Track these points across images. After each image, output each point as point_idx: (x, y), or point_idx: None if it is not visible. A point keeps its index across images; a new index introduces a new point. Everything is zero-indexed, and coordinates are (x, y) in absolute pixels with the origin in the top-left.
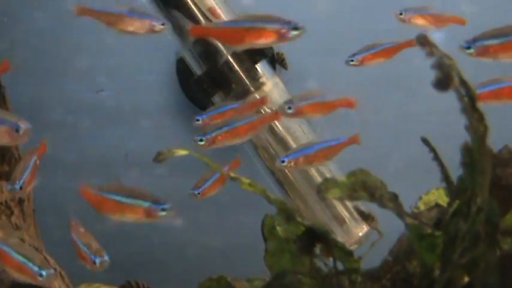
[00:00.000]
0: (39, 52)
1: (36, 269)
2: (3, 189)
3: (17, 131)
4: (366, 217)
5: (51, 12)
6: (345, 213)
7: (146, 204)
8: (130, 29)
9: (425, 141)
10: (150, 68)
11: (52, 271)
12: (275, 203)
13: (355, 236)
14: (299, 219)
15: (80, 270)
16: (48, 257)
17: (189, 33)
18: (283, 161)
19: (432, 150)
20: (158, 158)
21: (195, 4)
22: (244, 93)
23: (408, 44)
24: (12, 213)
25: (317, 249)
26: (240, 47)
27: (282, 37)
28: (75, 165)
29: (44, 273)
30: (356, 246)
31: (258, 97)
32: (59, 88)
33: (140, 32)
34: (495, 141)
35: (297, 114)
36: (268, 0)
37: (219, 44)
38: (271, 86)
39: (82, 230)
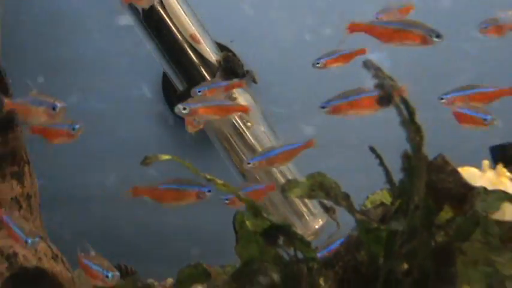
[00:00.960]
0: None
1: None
2: (14, 187)
3: (54, 109)
4: (328, 210)
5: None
6: (303, 209)
7: (196, 188)
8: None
9: (372, 149)
10: (140, 84)
11: (37, 239)
12: (245, 201)
13: (312, 229)
14: (265, 215)
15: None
16: (51, 244)
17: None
18: (249, 163)
19: (378, 157)
20: (145, 162)
21: (178, 31)
22: None
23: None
24: (21, 207)
25: (280, 241)
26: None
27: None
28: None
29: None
30: (313, 237)
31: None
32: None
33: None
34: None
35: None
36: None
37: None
38: (243, 100)
39: (92, 253)
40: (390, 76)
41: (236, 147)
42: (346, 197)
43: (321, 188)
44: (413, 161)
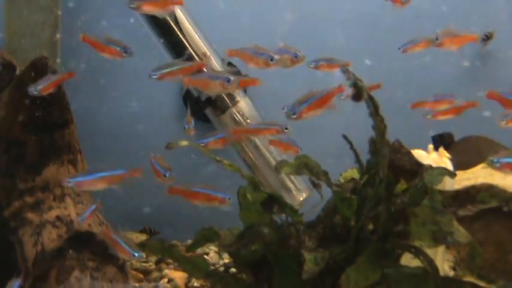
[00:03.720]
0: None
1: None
2: (70, 170)
3: (228, 81)
4: (316, 185)
5: None
6: (291, 185)
7: (220, 195)
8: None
9: (344, 136)
10: (165, 91)
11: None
12: (246, 177)
13: (298, 200)
14: (262, 189)
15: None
16: (98, 214)
17: None
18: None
19: (349, 143)
20: (168, 147)
21: (193, 49)
22: (225, 107)
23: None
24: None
25: (275, 209)
26: None
27: None
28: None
29: None
30: (299, 207)
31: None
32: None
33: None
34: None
35: None
36: None
37: None
38: (243, 103)
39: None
40: (360, 79)
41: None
42: (325, 173)
43: (306, 167)
44: (378, 144)
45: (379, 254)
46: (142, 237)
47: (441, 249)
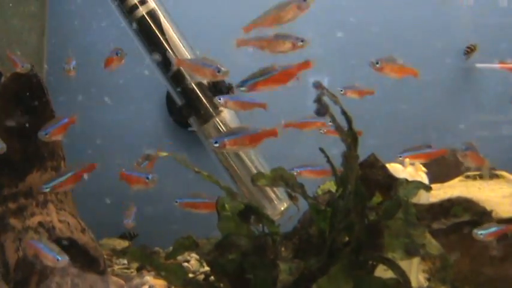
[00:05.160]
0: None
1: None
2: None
3: (219, 71)
4: (292, 198)
5: None
6: (272, 195)
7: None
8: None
9: (321, 150)
10: (147, 99)
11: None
12: (224, 188)
13: (279, 210)
14: (239, 199)
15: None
16: (80, 220)
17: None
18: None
19: (326, 156)
20: (148, 158)
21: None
22: (209, 116)
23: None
24: (58, 192)
25: (252, 219)
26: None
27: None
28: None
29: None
30: (279, 216)
31: None
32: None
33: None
34: None
35: None
36: None
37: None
38: (226, 112)
39: None
40: (333, 94)
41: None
42: (301, 186)
43: (282, 179)
44: (348, 158)
45: (352, 265)
46: (125, 243)
47: (416, 260)
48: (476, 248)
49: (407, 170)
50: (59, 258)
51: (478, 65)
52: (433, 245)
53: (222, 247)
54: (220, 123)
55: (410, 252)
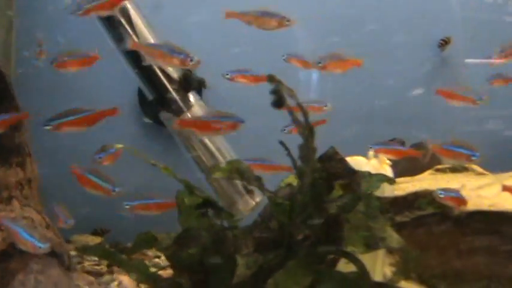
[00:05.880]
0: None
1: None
2: (18, 173)
3: (191, 60)
4: (248, 191)
5: None
6: (243, 190)
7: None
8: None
9: (281, 143)
10: (121, 93)
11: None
12: (181, 182)
13: (250, 205)
14: (197, 193)
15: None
16: (45, 216)
17: None
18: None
19: (286, 149)
20: (103, 149)
21: None
22: (179, 111)
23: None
24: (23, 188)
25: (210, 213)
26: None
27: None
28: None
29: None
30: (250, 211)
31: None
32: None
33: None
34: None
35: None
36: None
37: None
38: (198, 107)
39: None
40: (289, 88)
41: (192, 143)
42: (258, 178)
43: (237, 172)
44: (304, 150)
45: (311, 259)
46: (97, 239)
47: (381, 253)
48: (444, 241)
49: (371, 162)
50: (41, 246)
51: (467, 61)
52: (394, 238)
53: (181, 241)
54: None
55: (370, 245)
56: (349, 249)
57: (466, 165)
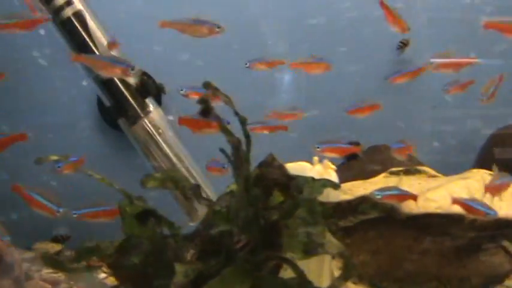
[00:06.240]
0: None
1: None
2: None
3: (132, 69)
4: (187, 199)
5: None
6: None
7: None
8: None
9: (222, 150)
10: (80, 99)
11: None
12: (120, 191)
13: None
14: (136, 202)
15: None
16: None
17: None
18: None
19: (227, 157)
20: (38, 161)
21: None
22: (137, 118)
23: None
24: None
25: (151, 221)
26: None
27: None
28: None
29: None
30: None
31: None
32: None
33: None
34: None
35: None
36: None
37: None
38: (156, 113)
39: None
40: (225, 95)
41: (151, 150)
42: (194, 187)
43: (172, 181)
44: (236, 158)
45: (250, 266)
46: (58, 246)
47: (328, 258)
48: (395, 244)
49: (315, 168)
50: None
51: (432, 60)
52: (333, 244)
53: (123, 250)
54: (149, 124)
55: (309, 251)
56: (288, 255)
57: (419, 168)
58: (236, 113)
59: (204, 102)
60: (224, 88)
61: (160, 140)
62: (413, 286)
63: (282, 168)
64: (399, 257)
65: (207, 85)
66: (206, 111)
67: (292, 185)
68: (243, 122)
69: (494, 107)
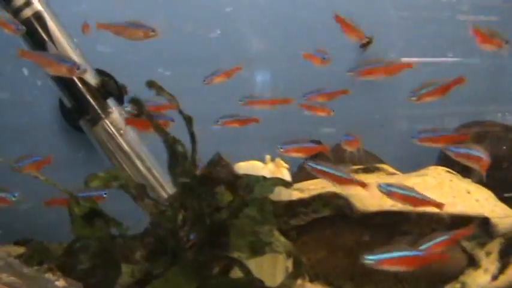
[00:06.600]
0: None
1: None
2: None
3: (78, 68)
4: (135, 198)
5: None
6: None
7: None
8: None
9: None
10: (43, 100)
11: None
12: (64, 192)
13: None
14: (82, 203)
15: None
16: None
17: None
18: None
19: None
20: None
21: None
22: (98, 118)
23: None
24: None
25: (98, 222)
26: None
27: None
28: None
29: None
30: None
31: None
32: None
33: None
34: None
35: None
36: None
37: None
38: (117, 114)
39: None
40: (170, 93)
41: (112, 149)
42: (138, 187)
43: (115, 180)
44: (171, 157)
45: (196, 265)
46: (20, 249)
47: (282, 257)
48: (351, 242)
49: (267, 167)
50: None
51: (403, 60)
52: (281, 242)
53: (71, 251)
54: (110, 125)
55: (256, 250)
56: (236, 254)
57: (378, 165)
58: (180, 112)
59: (134, 102)
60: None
61: (122, 141)
62: (370, 284)
63: (229, 167)
64: (356, 255)
65: (150, 84)
66: (139, 111)
67: (243, 184)
68: (188, 121)
69: (472, 105)
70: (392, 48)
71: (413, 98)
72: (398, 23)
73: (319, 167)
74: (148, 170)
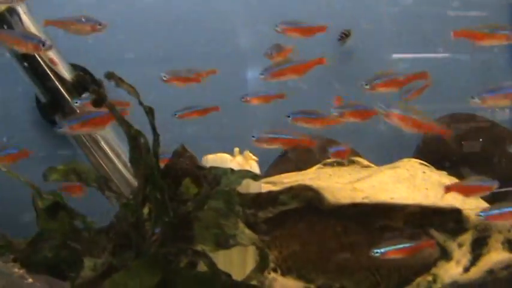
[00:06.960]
0: None
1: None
2: None
3: (44, 45)
4: (101, 189)
5: None
6: None
7: None
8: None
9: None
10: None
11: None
12: (28, 184)
13: None
14: (44, 196)
15: None
16: None
17: None
18: None
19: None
20: None
21: (40, 57)
22: (73, 113)
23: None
24: None
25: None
26: None
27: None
28: None
29: None
30: None
31: None
32: None
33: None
34: None
35: None
36: None
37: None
38: (92, 108)
39: None
40: (130, 85)
41: (88, 145)
42: (99, 179)
43: (74, 173)
44: (134, 150)
45: (160, 258)
46: None
47: (251, 249)
48: (324, 235)
49: (236, 159)
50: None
51: (395, 56)
52: (246, 235)
53: (34, 245)
54: None
55: (220, 243)
56: (200, 247)
57: (352, 158)
58: (140, 103)
59: (95, 92)
60: None
61: (98, 136)
62: (343, 277)
63: (192, 158)
64: (328, 249)
65: (109, 76)
66: (98, 101)
67: (210, 176)
68: (149, 112)
69: (456, 101)
70: (383, 44)
71: (367, 87)
72: (389, 19)
73: None
74: (124, 164)
